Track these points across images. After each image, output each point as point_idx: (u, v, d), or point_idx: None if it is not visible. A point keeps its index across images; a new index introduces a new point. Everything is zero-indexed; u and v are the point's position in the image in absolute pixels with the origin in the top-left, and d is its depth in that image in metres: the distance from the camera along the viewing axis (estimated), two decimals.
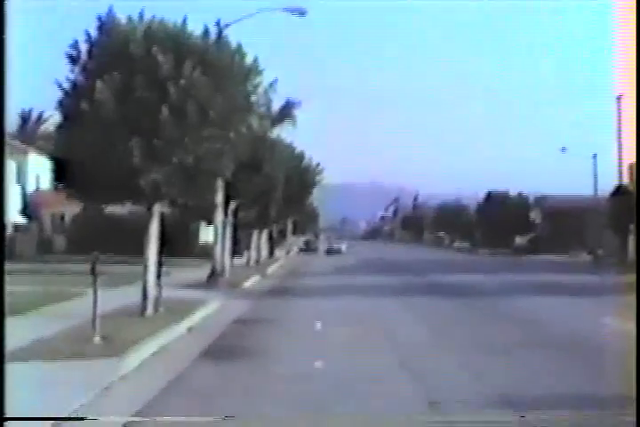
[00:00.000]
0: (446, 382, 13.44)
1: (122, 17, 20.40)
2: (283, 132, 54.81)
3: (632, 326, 19.91)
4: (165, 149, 19.33)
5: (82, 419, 10.33)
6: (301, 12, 33.04)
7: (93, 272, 16.38)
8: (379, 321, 23.15)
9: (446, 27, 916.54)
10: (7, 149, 18.31)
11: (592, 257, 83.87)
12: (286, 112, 59.02)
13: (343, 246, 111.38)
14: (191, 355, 16.21)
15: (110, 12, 20.48)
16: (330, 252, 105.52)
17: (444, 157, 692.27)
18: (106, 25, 20.45)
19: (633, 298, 30.33)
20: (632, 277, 46.13)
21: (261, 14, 34.30)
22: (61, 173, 20.55)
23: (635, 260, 70.13)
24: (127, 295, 24.29)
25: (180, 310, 22.82)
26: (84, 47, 20.47)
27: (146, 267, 21.47)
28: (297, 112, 60.18)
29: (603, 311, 25.84)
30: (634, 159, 34.97)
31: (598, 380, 13.55)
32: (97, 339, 15.87)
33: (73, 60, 20.41)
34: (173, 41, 19.89)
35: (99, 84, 19.19)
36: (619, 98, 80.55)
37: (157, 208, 21.29)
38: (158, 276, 22.34)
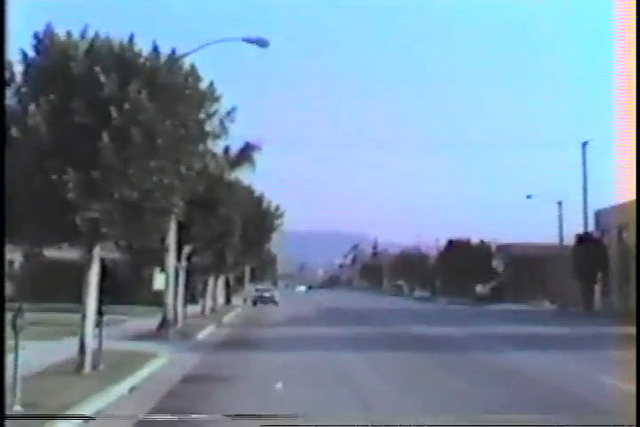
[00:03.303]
0: None
1: (61, 34, 18.09)
2: (241, 175, 53.04)
3: (629, 386, 17.70)
4: (105, 182, 16.92)
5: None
6: (263, 43, 30.78)
7: (14, 327, 13.81)
8: (344, 380, 20.68)
9: (415, 67, 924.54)
10: None
11: (557, 306, 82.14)
12: (245, 155, 57.17)
13: (277, 295, 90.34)
14: (128, 424, 13.66)
15: (49, 28, 18.16)
16: (259, 302, 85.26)
17: (404, 205, 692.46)
18: (43, 43, 18.12)
19: (614, 352, 28.42)
20: (603, 329, 44.40)
21: (221, 49, 32.14)
22: None
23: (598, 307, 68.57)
24: (68, 348, 21.63)
25: (123, 365, 20.38)
26: (18, 68, 18.12)
27: (84, 317, 18.97)
28: (256, 156, 58.52)
29: (593, 368, 23.61)
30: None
31: None
32: (18, 407, 13.26)
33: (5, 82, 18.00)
34: (118, 60, 17.57)
35: (31, 107, 16.81)
36: (584, 144, 79.32)
37: (97, 251, 18.79)
38: (98, 326, 19.85)
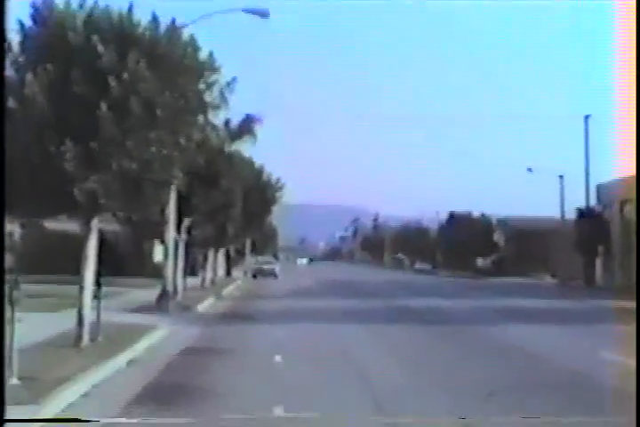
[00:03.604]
0: None
1: (60, 3, 17.85)
2: (242, 148, 52.71)
3: (632, 361, 17.51)
4: (104, 153, 16.72)
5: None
6: (264, 14, 30.47)
7: (10, 300, 13.61)
8: (346, 353, 20.58)
9: (416, 43, 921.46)
10: None
11: (558, 280, 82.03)
12: (246, 127, 56.76)
13: (277, 267, 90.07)
14: (125, 397, 13.54)
15: None
16: (258, 275, 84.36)
17: (405, 178, 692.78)
18: (41, 13, 17.88)
19: (619, 327, 28.27)
20: (604, 303, 44.29)
21: (222, 18, 31.88)
22: None
23: (610, 281, 68.43)
24: (67, 320, 21.37)
25: (121, 338, 20.26)
26: (15, 38, 17.87)
27: (82, 288, 18.81)
28: (257, 128, 58.03)
29: (595, 343, 23.48)
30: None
31: None
32: (14, 380, 13.12)
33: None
34: (117, 30, 17.34)
35: (29, 77, 16.60)
36: (586, 118, 78.89)
37: (96, 222, 18.62)
38: (97, 299, 19.72)
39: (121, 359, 17.57)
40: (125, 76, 16.61)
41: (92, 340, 19.00)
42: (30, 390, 12.63)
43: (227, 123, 51.67)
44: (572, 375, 17.19)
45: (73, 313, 19.65)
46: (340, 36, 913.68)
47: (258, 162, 58.89)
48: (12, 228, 60.92)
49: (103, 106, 16.42)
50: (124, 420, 11.08)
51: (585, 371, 17.87)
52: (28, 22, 17.98)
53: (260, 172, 59.30)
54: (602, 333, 26.95)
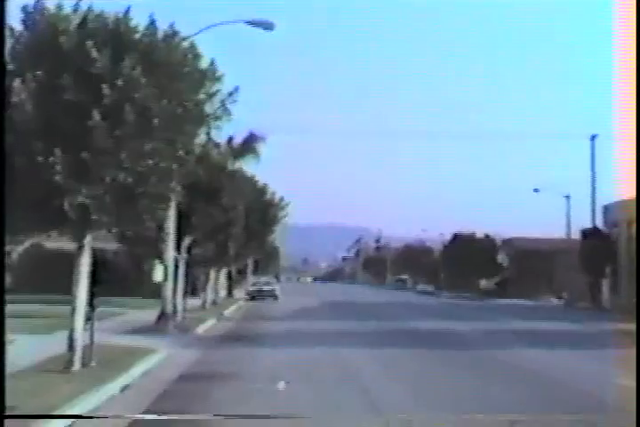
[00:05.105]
0: None
1: (51, 7, 16.88)
2: (244, 165, 51.93)
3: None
4: (96, 165, 15.69)
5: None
6: (267, 27, 29.53)
7: None
8: (351, 380, 19.42)
9: (420, 60, 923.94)
10: None
11: (564, 302, 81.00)
12: (249, 145, 55.86)
13: (277, 288, 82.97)
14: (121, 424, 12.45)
15: (39, 1, 16.96)
16: (257, 297, 78.41)
17: (408, 198, 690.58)
18: (32, 17, 16.92)
19: (629, 351, 27.14)
20: (616, 325, 43.14)
21: (224, 29, 30.90)
22: None
23: (611, 302, 67.23)
24: (60, 342, 20.21)
25: (116, 362, 19.21)
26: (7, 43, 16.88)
27: (74, 310, 17.72)
28: (260, 146, 57.15)
29: (611, 368, 22.37)
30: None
31: None
32: None
33: None
34: (112, 34, 16.34)
35: (17, 83, 15.59)
36: (593, 138, 78.00)
37: (89, 240, 17.54)
38: (89, 320, 18.62)
39: (114, 386, 16.46)
40: (120, 82, 15.60)
41: (85, 364, 17.93)
42: (11, 423, 11.51)
43: (229, 140, 50.78)
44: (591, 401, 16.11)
45: (66, 335, 18.55)
46: (349, 51, 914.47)
47: (261, 180, 58.03)
48: (10, 247, 59.96)
49: (95, 114, 15.41)
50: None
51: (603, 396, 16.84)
52: (19, 27, 17.07)
53: (262, 190, 58.34)
54: (616, 357, 25.83)
